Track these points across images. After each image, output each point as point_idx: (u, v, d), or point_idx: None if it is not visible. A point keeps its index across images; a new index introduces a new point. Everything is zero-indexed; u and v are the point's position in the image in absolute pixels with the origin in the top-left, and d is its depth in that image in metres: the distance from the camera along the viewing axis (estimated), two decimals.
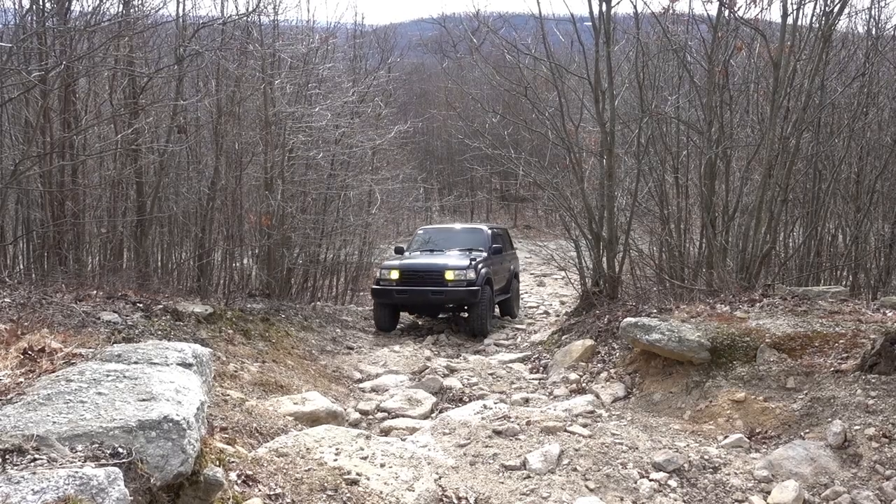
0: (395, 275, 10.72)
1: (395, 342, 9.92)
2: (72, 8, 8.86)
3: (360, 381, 7.95)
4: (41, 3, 8.50)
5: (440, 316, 11.88)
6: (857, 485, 4.07)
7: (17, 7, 9.16)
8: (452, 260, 11.00)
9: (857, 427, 4.47)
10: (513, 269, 12.95)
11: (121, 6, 9.29)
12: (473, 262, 10.75)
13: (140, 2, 9.70)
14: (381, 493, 3.73)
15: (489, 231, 12.40)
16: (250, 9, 10.64)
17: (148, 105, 9.59)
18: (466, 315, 11.10)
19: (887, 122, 10.35)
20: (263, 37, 11.47)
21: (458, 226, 14.21)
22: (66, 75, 8.30)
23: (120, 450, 2.40)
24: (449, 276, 10.51)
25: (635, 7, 9.84)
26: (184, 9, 10.18)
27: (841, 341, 5.55)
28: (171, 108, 9.65)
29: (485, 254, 11.38)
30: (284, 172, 11.48)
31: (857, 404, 4.69)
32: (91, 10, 8.99)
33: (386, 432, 5.80)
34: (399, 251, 12.41)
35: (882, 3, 14.18)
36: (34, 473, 2.12)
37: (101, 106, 9.76)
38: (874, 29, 10.15)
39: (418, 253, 11.91)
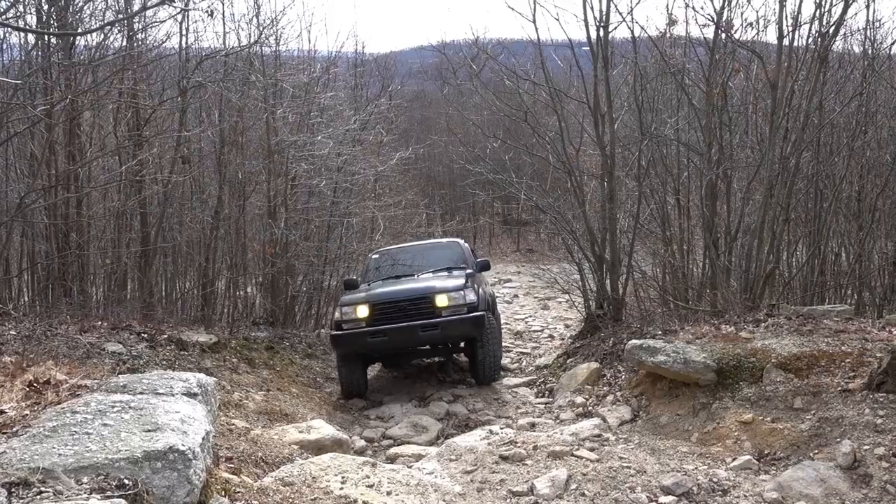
0: (363, 311, 7.91)
1: (398, 368, 9.88)
2: (76, 43, 8.99)
3: (364, 408, 7.92)
4: (46, 38, 8.63)
5: (425, 360, 9.34)
6: None
7: (22, 43, 9.30)
8: (441, 280, 8.39)
9: (866, 447, 4.43)
10: (493, 295, 10.36)
11: (124, 40, 9.44)
12: (470, 280, 8.24)
13: (143, 35, 9.86)
14: None
15: (466, 244, 10.24)
16: (252, 40, 10.79)
17: (152, 136, 9.69)
18: (468, 355, 8.78)
19: (886, 140, 10.39)
20: (266, 67, 11.60)
21: (425, 242, 11.41)
22: (70, 109, 8.40)
23: (126, 481, 2.40)
24: (441, 301, 7.86)
25: (633, 32, 9.93)
26: (187, 41, 10.32)
27: (847, 360, 5.52)
28: (174, 139, 9.74)
29: (470, 271, 8.91)
30: (287, 201, 11.54)
31: (866, 424, 4.65)
32: (95, 44, 9.14)
33: (392, 459, 5.77)
34: (351, 285, 9.28)
35: (877, 24, 14.29)
36: None
37: (105, 138, 9.86)
38: (870, 49, 10.24)
39: (380, 282, 9.09)
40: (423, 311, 7.85)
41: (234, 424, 5.39)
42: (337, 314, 8.25)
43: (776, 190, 8.40)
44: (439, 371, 9.69)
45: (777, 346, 5.91)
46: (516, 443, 5.08)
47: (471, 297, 7.95)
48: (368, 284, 9.14)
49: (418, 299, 7.95)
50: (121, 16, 9.00)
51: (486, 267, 9.61)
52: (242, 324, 10.55)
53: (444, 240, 11.10)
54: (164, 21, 14.04)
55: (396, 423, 7.09)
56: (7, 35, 9.08)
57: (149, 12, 9.09)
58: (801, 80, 8.66)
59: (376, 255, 10.18)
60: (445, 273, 8.90)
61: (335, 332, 8.07)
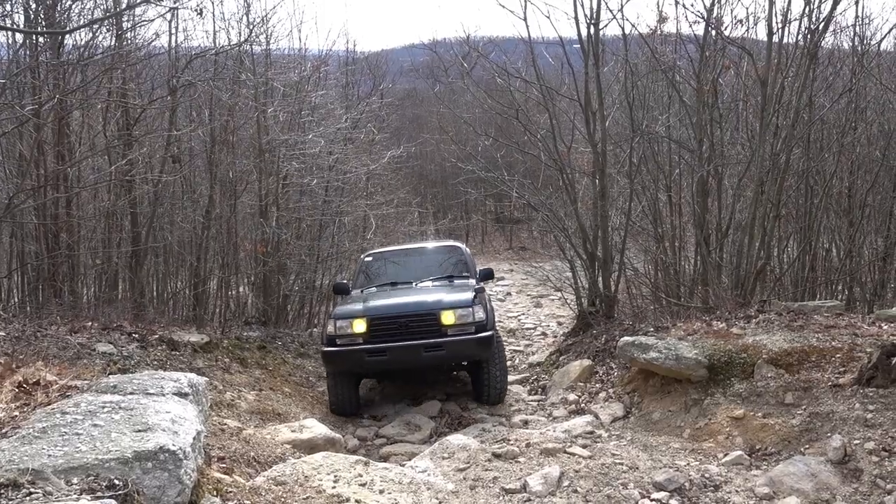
0: (360, 326, 7.04)
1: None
2: (65, 42, 8.93)
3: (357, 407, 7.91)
4: (34, 37, 8.57)
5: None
6: (859, 500, 4.06)
7: (10, 42, 9.23)
8: (446, 294, 7.51)
9: (856, 441, 4.46)
10: (491, 301, 9.17)
11: (114, 39, 9.37)
12: (478, 296, 7.43)
13: (133, 34, 9.79)
14: None
15: (468, 249, 9.45)
16: (242, 39, 10.74)
17: (142, 136, 9.63)
18: (471, 374, 8.02)
19: (876, 136, 10.44)
20: (256, 66, 11.55)
21: (423, 245, 10.25)
22: (59, 108, 8.34)
23: (116, 481, 2.38)
24: (447, 318, 7.02)
25: (623, 29, 9.93)
26: (176, 40, 10.26)
27: (838, 355, 5.55)
28: (164, 138, 9.68)
29: (473, 281, 8.22)
30: (279, 199, 11.51)
31: (856, 418, 4.68)
32: (84, 43, 9.07)
33: (385, 458, 5.77)
34: (341, 290, 8.54)
35: (866, 20, 14.37)
36: None
37: (94, 138, 9.79)
38: (859, 45, 10.28)
39: (374, 290, 8.27)
40: (427, 328, 7.02)
41: (226, 424, 5.37)
42: (330, 328, 7.27)
43: (767, 186, 8.43)
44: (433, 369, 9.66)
45: (768, 342, 5.93)
46: (509, 440, 5.09)
47: (479, 314, 7.14)
48: (361, 291, 8.35)
49: (422, 315, 7.09)
50: (108, 13, 8.94)
51: (489, 276, 8.71)
52: (234, 323, 10.52)
53: (444, 243, 10.13)
54: (154, 20, 13.97)
55: (389, 421, 7.09)
56: None
57: (137, 10, 9.04)
58: (791, 76, 8.69)
59: (369, 258, 9.25)
60: (447, 283, 8.20)
61: (328, 349, 7.21)
